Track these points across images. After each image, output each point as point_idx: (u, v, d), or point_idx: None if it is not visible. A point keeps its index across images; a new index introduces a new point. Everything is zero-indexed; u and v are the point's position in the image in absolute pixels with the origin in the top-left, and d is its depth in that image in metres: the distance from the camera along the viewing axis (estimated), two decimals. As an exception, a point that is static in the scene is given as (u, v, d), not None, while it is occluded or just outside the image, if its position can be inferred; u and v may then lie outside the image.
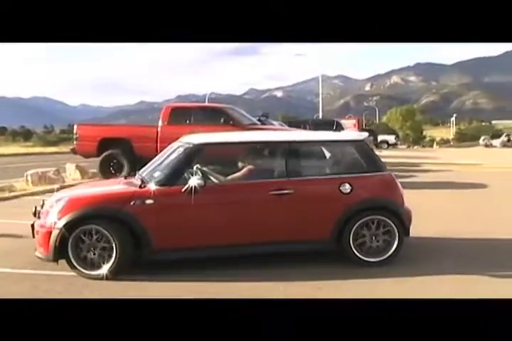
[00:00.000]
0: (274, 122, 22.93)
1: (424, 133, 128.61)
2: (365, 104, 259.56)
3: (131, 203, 6.45)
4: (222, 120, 15.36)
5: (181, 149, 7.11)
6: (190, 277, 6.45)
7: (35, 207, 7.15)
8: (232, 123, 15.45)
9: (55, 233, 6.37)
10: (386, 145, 55.10)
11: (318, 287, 6.10)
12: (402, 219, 7.10)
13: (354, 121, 46.82)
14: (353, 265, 6.91)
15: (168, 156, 7.33)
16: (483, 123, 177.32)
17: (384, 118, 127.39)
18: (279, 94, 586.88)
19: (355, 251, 6.95)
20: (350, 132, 8.92)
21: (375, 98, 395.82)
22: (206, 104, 25.03)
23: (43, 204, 7.11)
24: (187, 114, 16.00)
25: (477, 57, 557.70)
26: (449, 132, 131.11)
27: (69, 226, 6.35)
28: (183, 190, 6.50)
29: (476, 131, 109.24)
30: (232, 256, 6.84)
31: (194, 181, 6.48)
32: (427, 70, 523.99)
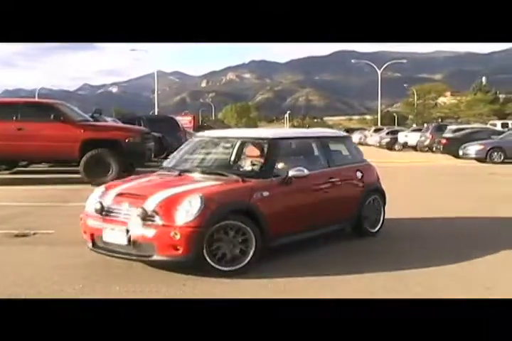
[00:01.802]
0: (108, 118, 22.48)
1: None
2: (202, 100, 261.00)
3: (254, 196, 6.70)
4: (52, 116, 14.79)
5: (255, 143, 7.78)
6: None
7: (101, 203, 6.69)
8: (62, 119, 14.94)
9: (202, 231, 6.15)
10: (222, 142, 55.40)
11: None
12: (384, 195, 8.90)
13: (190, 118, 47.06)
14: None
15: (213, 151, 8.17)
16: (316, 120, 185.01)
17: (220, 115, 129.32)
18: (114, 89, 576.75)
19: (366, 226, 8.43)
20: (336, 130, 11.59)
21: (211, 95, 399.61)
22: (35, 99, 23.95)
23: (101, 206, 6.66)
24: (13, 109, 15.21)
25: (308, 56, 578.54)
26: (284, 128, 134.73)
27: (211, 224, 6.24)
28: (285, 180, 7.14)
29: (308, 126, 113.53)
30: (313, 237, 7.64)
31: (293, 172, 7.13)
32: (262, 68, 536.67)
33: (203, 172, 7.30)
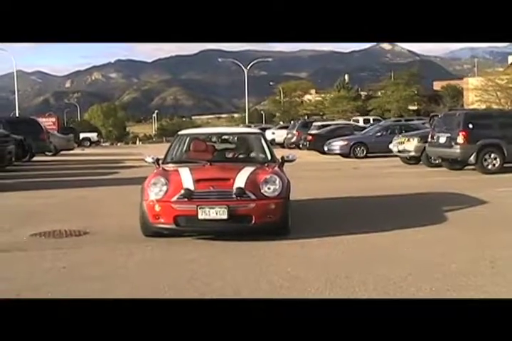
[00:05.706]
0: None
1: (128, 129, 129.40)
2: (66, 101, 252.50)
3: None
4: None
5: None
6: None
7: (189, 189, 7.58)
8: None
9: (287, 201, 8.03)
10: (89, 143, 54.22)
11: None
12: None
13: (54, 119, 45.83)
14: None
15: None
16: (184, 119, 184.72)
17: (86, 116, 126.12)
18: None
19: None
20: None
21: (76, 95, 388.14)
22: None
23: (190, 192, 7.55)
24: None
25: (175, 55, 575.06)
26: (152, 128, 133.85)
27: (288, 195, 8.12)
28: (283, 163, 9.18)
29: (177, 126, 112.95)
30: None
31: (286, 158, 9.21)
32: (128, 67, 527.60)
33: (232, 161, 9.14)
